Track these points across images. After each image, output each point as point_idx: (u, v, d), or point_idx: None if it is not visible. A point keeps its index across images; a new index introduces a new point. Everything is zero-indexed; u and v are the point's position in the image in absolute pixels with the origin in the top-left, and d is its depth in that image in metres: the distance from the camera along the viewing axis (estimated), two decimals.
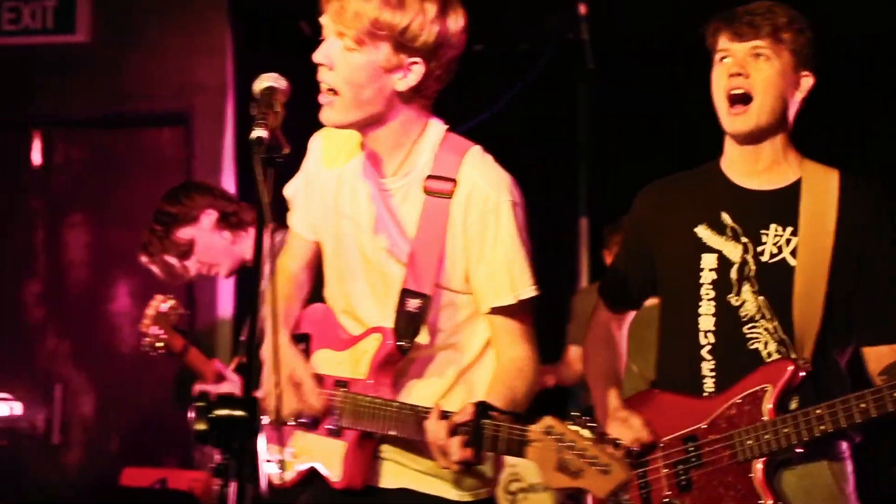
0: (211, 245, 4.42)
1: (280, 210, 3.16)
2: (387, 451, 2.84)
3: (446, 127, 2.84)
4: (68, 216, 7.15)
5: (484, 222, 2.74)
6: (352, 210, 2.85)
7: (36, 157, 7.16)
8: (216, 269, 4.48)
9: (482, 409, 2.53)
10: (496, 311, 2.79)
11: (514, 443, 2.50)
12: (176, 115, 6.86)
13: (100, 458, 6.98)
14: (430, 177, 2.76)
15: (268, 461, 3.06)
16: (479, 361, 2.85)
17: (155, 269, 4.52)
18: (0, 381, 6.62)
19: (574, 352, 6.34)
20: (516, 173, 6.89)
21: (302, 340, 2.99)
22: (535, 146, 6.77)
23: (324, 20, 2.71)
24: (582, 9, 6.02)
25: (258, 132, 2.30)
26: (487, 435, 2.52)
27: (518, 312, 2.81)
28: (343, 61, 2.67)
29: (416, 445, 2.75)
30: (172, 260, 4.46)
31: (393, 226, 2.79)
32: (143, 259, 4.53)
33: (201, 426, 1.95)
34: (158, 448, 6.90)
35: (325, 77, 2.70)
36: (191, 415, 1.96)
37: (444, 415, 2.58)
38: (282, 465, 3.00)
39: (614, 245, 6.10)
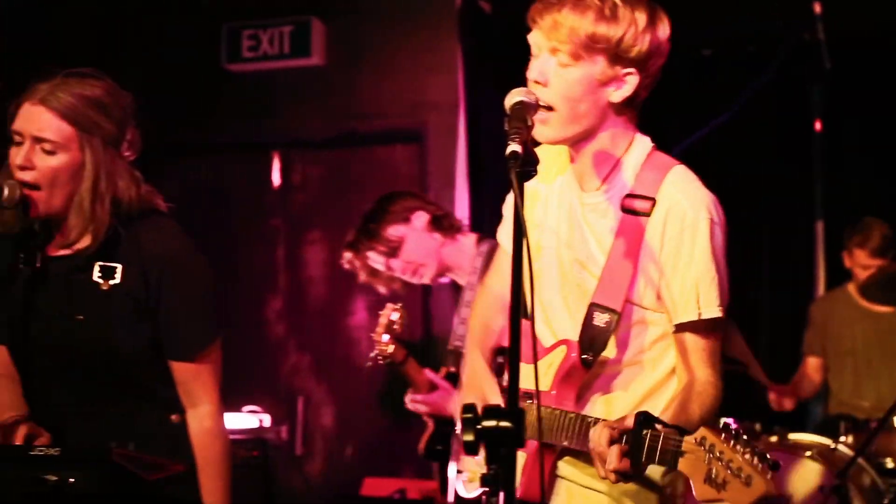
0: (421, 245, 4.42)
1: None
2: (564, 468, 2.83)
3: (652, 145, 2.83)
4: (307, 234, 7.39)
5: (680, 239, 2.71)
6: (555, 223, 2.87)
7: (275, 177, 7.42)
8: (422, 270, 4.46)
9: (643, 419, 2.48)
10: (681, 327, 2.74)
11: (669, 453, 2.44)
12: (409, 133, 7.01)
13: (340, 467, 7.17)
14: (629, 195, 2.76)
15: (458, 472, 3.10)
16: (668, 383, 2.81)
17: (357, 266, 4.53)
18: (246, 395, 6.88)
19: (812, 363, 6.18)
20: (750, 178, 6.76)
21: (502, 353, 3.03)
22: (769, 149, 6.65)
23: (534, 37, 2.72)
24: (817, 7, 5.87)
25: (513, 146, 2.30)
26: (648, 445, 2.46)
27: (703, 332, 2.74)
28: (558, 77, 2.67)
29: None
30: (378, 258, 4.46)
31: (591, 240, 2.80)
32: (347, 255, 4.54)
33: (469, 437, 1.98)
34: (397, 458, 7.04)
35: (539, 94, 2.67)
36: (458, 426, 2.00)
37: (612, 425, 2.55)
38: (472, 475, 3.03)
39: (854, 247, 5.93)
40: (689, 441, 2.42)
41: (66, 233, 3.02)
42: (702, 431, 2.42)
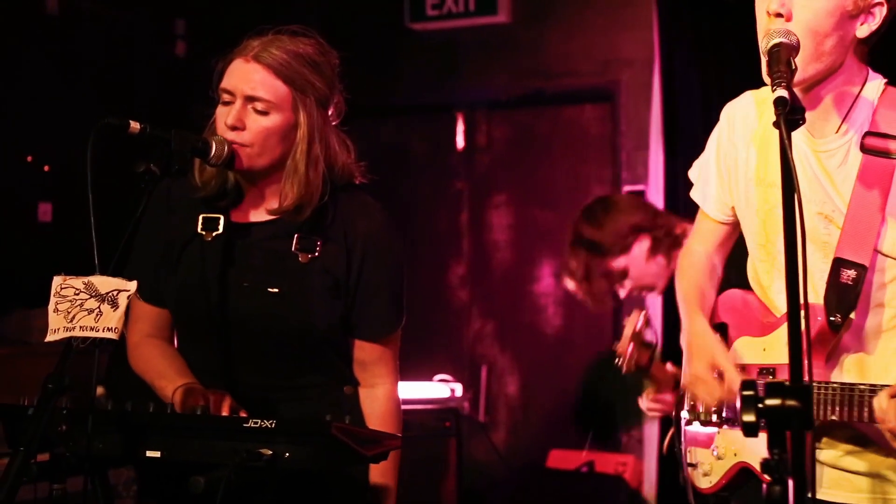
0: (645, 272, 4.29)
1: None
2: (825, 454, 2.59)
3: (885, 80, 2.59)
4: (491, 197, 7.24)
5: None
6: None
7: (459, 139, 7.28)
8: (650, 290, 4.35)
9: None
10: None
11: None
12: (600, 91, 6.78)
13: (525, 437, 7.04)
14: (869, 134, 2.51)
15: (690, 465, 2.87)
16: None
17: (580, 294, 4.40)
18: (429, 362, 6.76)
19: None
20: None
21: (718, 330, 2.79)
22: None
23: None
24: None
25: (780, 92, 2.10)
26: None
27: None
28: (804, 7, 2.43)
29: (860, 440, 2.50)
30: (601, 286, 4.34)
31: (830, 188, 2.55)
32: (569, 284, 4.41)
33: (749, 417, 1.75)
34: (583, 429, 6.86)
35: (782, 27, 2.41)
36: (737, 406, 1.77)
37: None
38: (707, 467, 2.79)
39: None
40: None
41: (274, 198, 2.87)
42: None
